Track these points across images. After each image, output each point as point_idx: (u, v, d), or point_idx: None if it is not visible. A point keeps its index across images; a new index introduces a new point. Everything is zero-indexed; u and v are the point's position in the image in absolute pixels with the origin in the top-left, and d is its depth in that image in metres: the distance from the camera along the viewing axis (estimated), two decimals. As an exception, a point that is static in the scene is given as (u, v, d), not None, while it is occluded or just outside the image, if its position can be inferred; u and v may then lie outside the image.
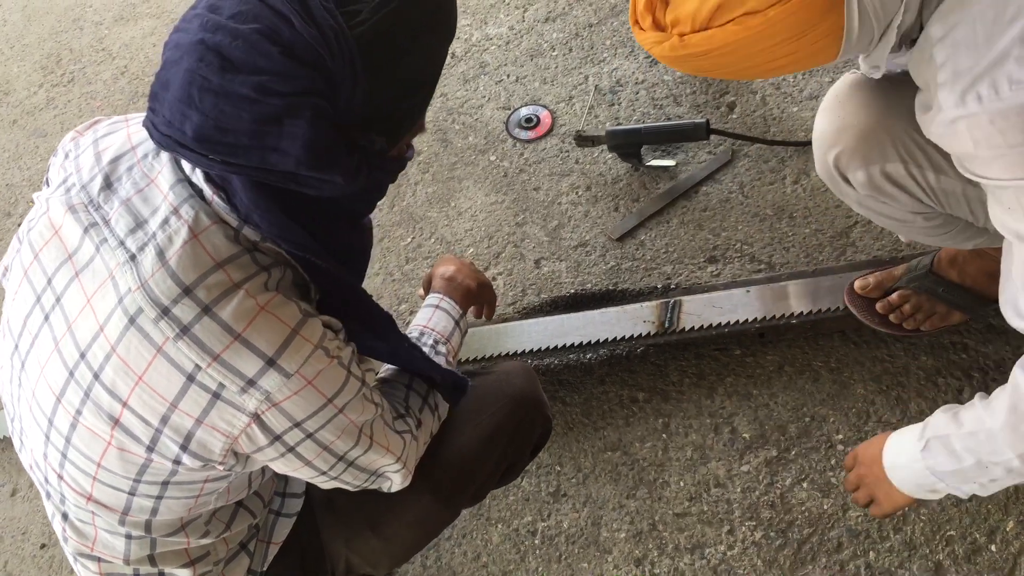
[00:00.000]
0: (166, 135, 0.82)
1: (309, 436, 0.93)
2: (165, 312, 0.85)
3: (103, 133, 0.99)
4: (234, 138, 0.79)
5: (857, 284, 1.56)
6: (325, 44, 0.78)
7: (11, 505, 1.95)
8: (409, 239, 2.11)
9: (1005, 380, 1.49)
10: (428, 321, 1.32)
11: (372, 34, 0.81)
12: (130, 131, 0.97)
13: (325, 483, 1.03)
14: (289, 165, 0.80)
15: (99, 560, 1.05)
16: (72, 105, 2.89)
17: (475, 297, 1.43)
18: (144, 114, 1.01)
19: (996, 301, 1.46)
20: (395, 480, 1.09)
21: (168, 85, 0.80)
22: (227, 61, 0.77)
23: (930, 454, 1.11)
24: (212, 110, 0.78)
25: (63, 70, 3.05)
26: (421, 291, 1.48)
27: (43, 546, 1.86)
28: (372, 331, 1.02)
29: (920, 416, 1.50)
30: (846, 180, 1.24)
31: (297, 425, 0.91)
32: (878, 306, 1.54)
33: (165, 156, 0.92)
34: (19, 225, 2.54)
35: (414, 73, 0.87)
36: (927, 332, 1.52)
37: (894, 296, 1.52)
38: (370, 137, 0.86)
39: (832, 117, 1.23)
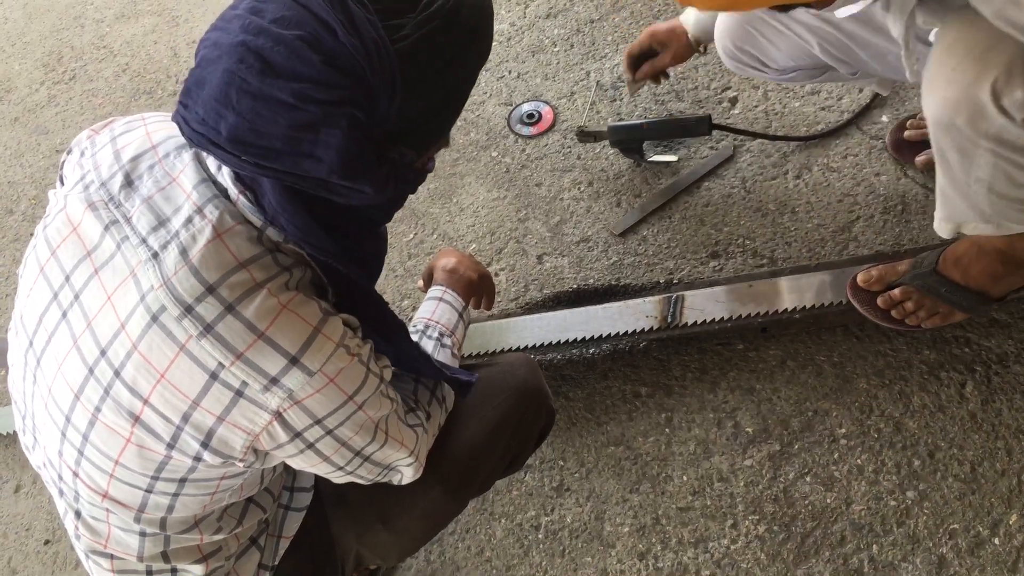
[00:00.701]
0: (199, 132, 0.82)
1: (329, 433, 0.93)
2: (189, 310, 0.85)
3: (120, 131, 0.99)
4: (268, 142, 0.79)
5: (860, 277, 1.56)
6: (367, 56, 0.78)
7: (15, 501, 1.95)
8: (411, 235, 2.11)
9: (1008, 374, 1.50)
10: (432, 314, 1.32)
11: (413, 50, 0.81)
12: (148, 130, 0.97)
13: (340, 478, 1.03)
14: (322, 172, 0.81)
15: (112, 557, 1.05)
16: (74, 103, 2.89)
17: (476, 288, 1.44)
18: (159, 112, 1.02)
19: (999, 300, 1.47)
20: (406, 473, 1.09)
21: (204, 83, 0.80)
22: (268, 65, 0.77)
23: None
24: (249, 112, 0.78)
25: (64, 67, 3.05)
26: (420, 283, 1.48)
27: (47, 542, 1.86)
28: (383, 336, 1.02)
29: (924, 410, 1.50)
30: (1001, 110, 1.13)
31: (318, 422, 0.91)
32: (880, 301, 1.54)
33: (187, 155, 0.93)
34: (21, 222, 2.55)
35: (449, 90, 0.88)
36: (928, 329, 1.52)
37: (896, 291, 1.52)
38: (400, 150, 0.87)
39: (965, 51, 1.13)
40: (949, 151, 1.22)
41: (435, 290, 1.38)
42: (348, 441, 0.96)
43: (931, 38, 1.30)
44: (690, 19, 1.76)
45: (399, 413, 1.04)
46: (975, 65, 1.11)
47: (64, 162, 1.03)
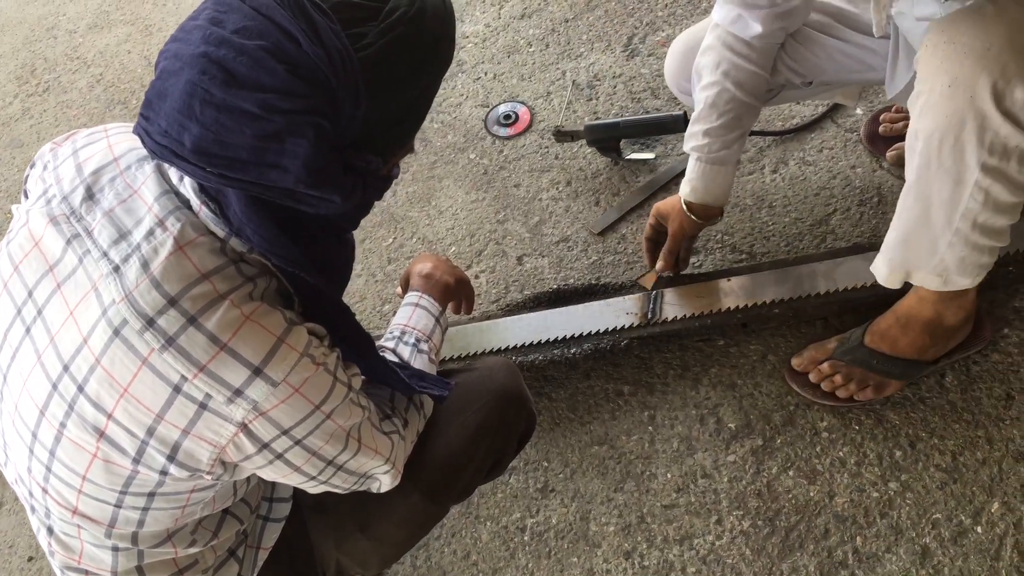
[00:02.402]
0: (161, 144, 0.81)
1: (297, 443, 0.92)
2: (150, 323, 0.84)
3: (82, 144, 0.98)
4: (234, 152, 0.79)
5: (794, 362, 1.58)
6: (331, 65, 0.78)
7: (-3, 519, 1.94)
8: (391, 239, 2.10)
9: (987, 363, 1.51)
10: (409, 320, 1.32)
11: (376, 58, 0.82)
12: (111, 142, 0.97)
13: (314, 488, 1.03)
14: (288, 182, 0.80)
15: (86, 573, 1.05)
16: (48, 114, 2.87)
17: (454, 293, 1.44)
18: (121, 124, 1.01)
19: (932, 363, 1.48)
20: (384, 481, 1.08)
21: (165, 95, 0.79)
22: (231, 76, 0.76)
23: None
24: (213, 123, 0.77)
25: (38, 79, 3.02)
26: (399, 289, 1.48)
27: (31, 559, 1.84)
28: (350, 347, 1.01)
29: (904, 401, 1.51)
30: (1006, 114, 1.09)
31: (285, 432, 0.90)
32: (811, 376, 1.55)
33: (149, 167, 0.92)
34: (-3, 237, 2.52)
35: (412, 98, 0.88)
36: (862, 401, 1.52)
37: (825, 366, 1.53)
38: (366, 157, 0.87)
39: (958, 59, 1.09)
40: (939, 180, 1.18)
41: (411, 296, 1.37)
42: (319, 451, 0.95)
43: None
44: (684, 188, 1.62)
45: (373, 420, 1.03)
46: (972, 73, 1.08)
47: (28, 176, 1.02)
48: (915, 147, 1.18)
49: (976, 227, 1.20)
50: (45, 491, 0.96)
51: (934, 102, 1.12)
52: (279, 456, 0.92)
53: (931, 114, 1.13)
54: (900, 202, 1.26)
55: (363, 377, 1.03)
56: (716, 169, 1.59)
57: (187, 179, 0.89)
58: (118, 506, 0.94)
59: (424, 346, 1.27)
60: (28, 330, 0.91)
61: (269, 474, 0.96)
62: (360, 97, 0.81)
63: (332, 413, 0.93)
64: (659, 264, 1.70)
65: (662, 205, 1.68)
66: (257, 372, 0.85)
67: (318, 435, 0.93)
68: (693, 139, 1.58)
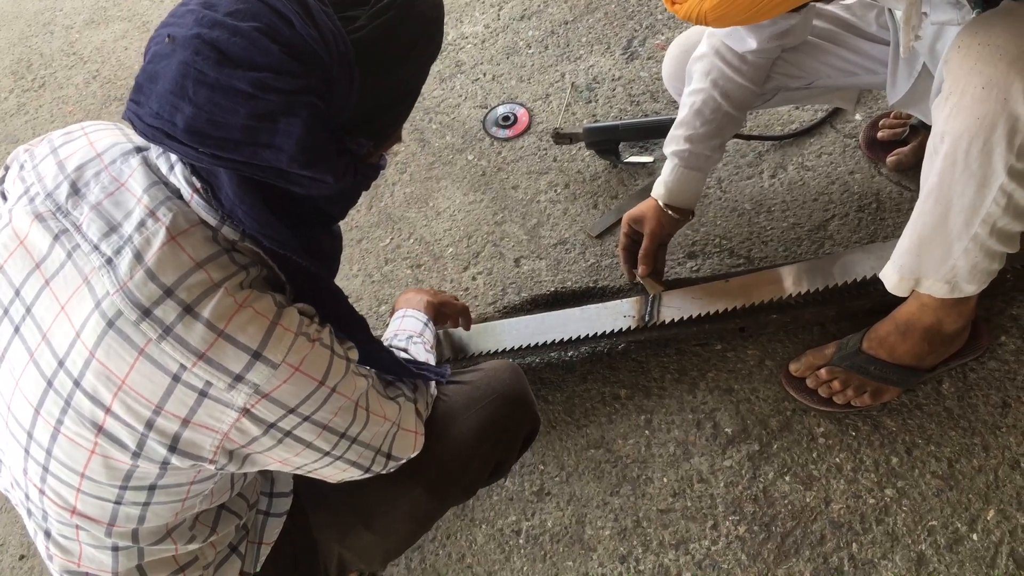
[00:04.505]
0: (153, 126, 0.81)
1: (306, 419, 0.92)
2: (147, 314, 0.84)
3: (60, 143, 0.97)
4: (227, 132, 0.79)
5: (791, 367, 1.58)
6: (325, 45, 0.80)
7: (-12, 516, 1.92)
8: (388, 240, 2.10)
9: (983, 370, 1.51)
10: (398, 328, 1.34)
11: (368, 40, 0.83)
12: (90, 139, 0.96)
13: (331, 467, 1.02)
14: (281, 162, 0.81)
15: (87, 575, 1.04)
16: (44, 110, 2.86)
17: (436, 308, 1.50)
18: (98, 122, 1.01)
19: (929, 371, 1.48)
20: (402, 444, 1.09)
21: (157, 77, 0.80)
22: (225, 56, 0.77)
23: None
24: (206, 103, 0.78)
25: (34, 75, 3.01)
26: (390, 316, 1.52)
27: (22, 557, 1.83)
28: (345, 331, 1.02)
29: (901, 408, 1.51)
30: None
31: (292, 411, 0.90)
32: (808, 382, 1.55)
33: (135, 160, 0.92)
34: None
35: (403, 82, 0.89)
36: (859, 408, 1.52)
37: (822, 372, 1.53)
38: (358, 140, 0.87)
39: (991, 62, 1.07)
40: (963, 184, 1.15)
41: (396, 314, 1.43)
42: (329, 423, 0.95)
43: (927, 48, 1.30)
44: (659, 189, 1.66)
45: (377, 388, 1.04)
46: (1006, 76, 1.05)
47: (3, 178, 1.01)
48: (939, 149, 1.15)
49: (994, 232, 1.18)
50: (42, 492, 0.95)
51: (965, 104, 1.10)
52: (288, 434, 0.92)
53: (961, 116, 1.11)
54: (917, 207, 1.24)
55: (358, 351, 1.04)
56: (692, 174, 1.62)
57: (177, 168, 0.89)
58: (118, 503, 0.94)
59: (417, 340, 1.29)
60: (17, 329, 0.90)
61: (279, 455, 0.95)
62: (353, 78, 0.82)
63: (337, 386, 0.94)
64: (640, 269, 1.70)
65: (634, 211, 1.70)
66: (257, 356, 0.86)
67: (328, 408, 0.93)
68: (674, 143, 1.60)
